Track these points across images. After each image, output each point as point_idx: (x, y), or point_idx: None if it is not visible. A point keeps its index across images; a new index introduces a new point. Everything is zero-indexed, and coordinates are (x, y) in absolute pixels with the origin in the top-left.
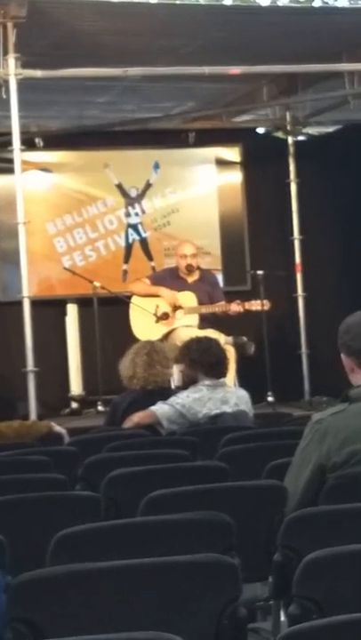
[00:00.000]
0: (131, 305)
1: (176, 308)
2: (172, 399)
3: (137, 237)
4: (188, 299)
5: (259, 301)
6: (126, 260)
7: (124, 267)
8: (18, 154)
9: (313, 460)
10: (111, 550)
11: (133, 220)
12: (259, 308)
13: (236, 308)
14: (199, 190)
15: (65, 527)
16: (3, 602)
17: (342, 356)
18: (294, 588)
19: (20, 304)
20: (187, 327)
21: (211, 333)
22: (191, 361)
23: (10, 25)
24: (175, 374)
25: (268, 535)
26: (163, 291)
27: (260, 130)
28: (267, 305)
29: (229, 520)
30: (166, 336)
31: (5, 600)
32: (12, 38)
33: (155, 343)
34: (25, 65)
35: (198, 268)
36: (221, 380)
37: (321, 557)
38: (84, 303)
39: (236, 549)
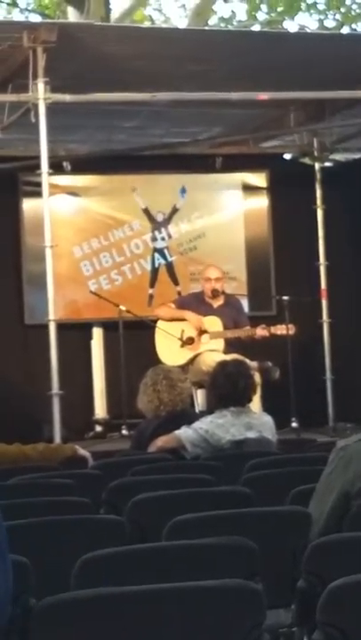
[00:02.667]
0: (156, 329)
1: (202, 332)
2: (196, 424)
3: (163, 262)
4: (213, 323)
5: (284, 326)
6: (152, 285)
7: (150, 291)
8: (46, 177)
9: (338, 487)
10: (135, 574)
11: (160, 244)
12: (284, 332)
13: (261, 332)
14: (226, 215)
15: (89, 551)
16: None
17: None
18: (318, 614)
19: (46, 327)
20: (212, 352)
21: (237, 357)
22: (216, 390)
23: (40, 50)
24: (200, 398)
25: (292, 561)
26: (189, 315)
27: (287, 156)
28: (292, 329)
29: (253, 545)
30: (192, 360)
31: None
32: (41, 63)
33: (162, 366)
34: (54, 89)
35: (223, 292)
36: (246, 405)
37: (346, 584)
38: (109, 327)
39: (260, 575)
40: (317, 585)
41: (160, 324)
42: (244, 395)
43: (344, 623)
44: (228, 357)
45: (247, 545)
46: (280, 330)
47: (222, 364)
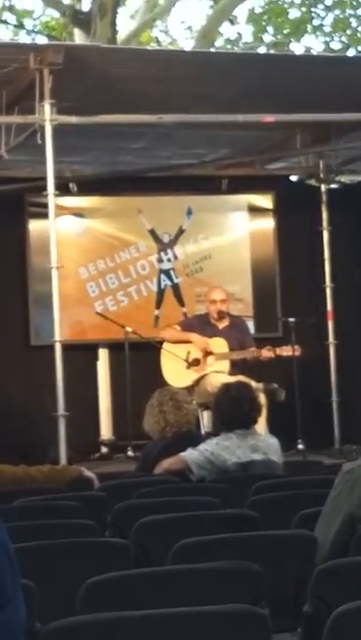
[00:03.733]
0: (162, 351)
1: (207, 353)
2: (202, 446)
3: (169, 283)
4: (219, 345)
5: (290, 347)
6: (158, 306)
7: (156, 312)
8: (52, 199)
9: (343, 510)
10: (141, 598)
11: (166, 265)
12: (290, 353)
13: (267, 353)
14: (232, 237)
15: (94, 574)
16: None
17: None
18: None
19: (51, 348)
20: (218, 373)
21: (242, 380)
22: (221, 413)
23: (46, 71)
24: (205, 420)
25: (297, 585)
26: (194, 337)
27: (293, 177)
28: (298, 350)
29: (259, 570)
30: (197, 382)
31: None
32: (47, 84)
33: (168, 388)
34: (60, 111)
35: (229, 314)
36: (252, 427)
37: (352, 610)
38: (115, 348)
39: (265, 599)
40: (323, 610)
41: (166, 345)
42: (249, 417)
43: None
44: (233, 379)
45: (253, 569)
46: (286, 351)
47: (226, 388)
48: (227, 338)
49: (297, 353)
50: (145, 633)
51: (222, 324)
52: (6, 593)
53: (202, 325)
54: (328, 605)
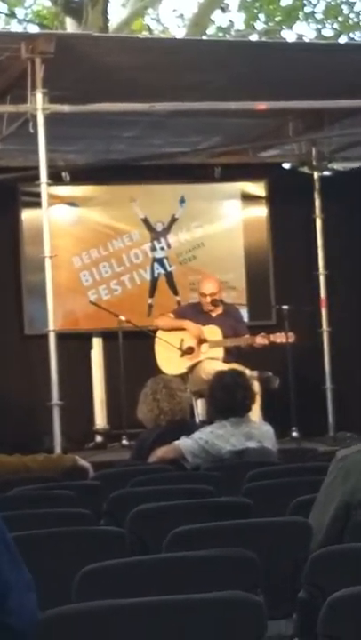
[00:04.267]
0: (156, 339)
1: (201, 341)
2: (196, 434)
3: (162, 271)
4: (213, 332)
5: (283, 334)
6: (152, 294)
7: (150, 301)
8: (45, 188)
9: (338, 498)
10: (136, 586)
11: (159, 254)
12: (283, 340)
13: (261, 340)
14: (225, 225)
15: (90, 562)
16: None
17: None
18: (319, 626)
19: (45, 337)
20: (212, 360)
21: (235, 367)
22: (215, 401)
23: (38, 60)
24: (200, 408)
25: (292, 572)
26: (188, 324)
27: (286, 165)
28: (292, 337)
29: (254, 557)
30: (191, 369)
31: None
32: (39, 73)
33: (162, 376)
34: (52, 100)
35: (222, 301)
36: (246, 415)
37: (347, 596)
38: (109, 337)
39: (260, 586)
40: (318, 596)
41: (160, 333)
42: (243, 405)
43: (345, 635)
44: (227, 367)
45: (248, 556)
46: (280, 338)
47: (219, 376)
48: (220, 325)
49: (291, 340)
50: (140, 621)
51: (216, 312)
52: (5, 581)
53: (195, 313)
54: (323, 592)
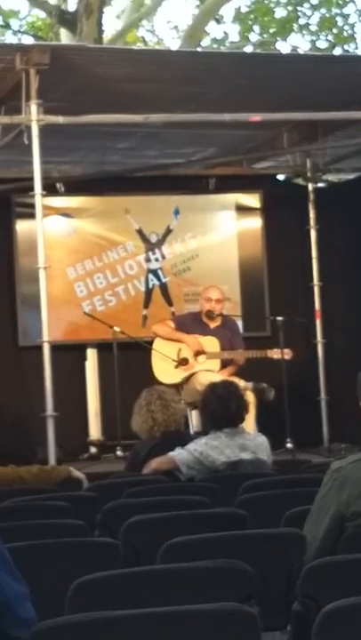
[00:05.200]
0: (152, 350)
1: (199, 353)
2: (191, 445)
3: (157, 283)
4: (210, 343)
5: (280, 350)
6: (146, 306)
7: (144, 312)
8: (39, 199)
9: (332, 509)
10: (130, 598)
11: (153, 265)
12: (280, 356)
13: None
14: (219, 236)
15: (83, 574)
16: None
17: None
18: (314, 637)
19: (40, 348)
20: (207, 371)
21: (230, 379)
22: (208, 412)
23: (32, 72)
24: (194, 419)
25: (287, 584)
26: (187, 338)
27: (281, 176)
28: (288, 354)
29: (248, 568)
30: (187, 379)
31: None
32: (34, 85)
33: (156, 387)
34: (47, 111)
35: (221, 314)
36: (240, 426)
37: (341, 607)
38: (103, 348)
39: (254, 598)
40: (312, 607)
41: (156, 345)
42: (237, 415)
43: None
44: (221, 378)
45: (242, 568)
46: (276, 354)
47: (212, 387)
48: (218, 337)
49: (287, 357)
50: (134, 632)
51: (214, 324)
52: (5, 593)
53: (194, 323)
54: (317, 603)
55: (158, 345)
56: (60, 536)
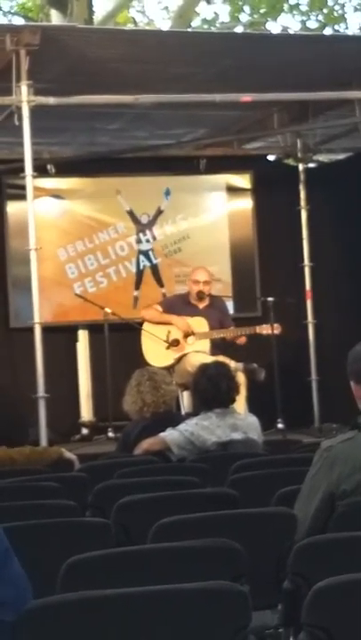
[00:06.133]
0: (142, 331)
1: (188, 335)
2: (182, 426)
3: (148, 264)
4: (199, 324)
5: (269, 325)
6: (137, 287)
7: (135, 293)
8: (30, 180)
9: (322, 488)
10: (121, 577)
11: (144, 246)
12: (269, 332)
13: (243, 339)
14: (210, 217)
15: (75, 554)
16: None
17: (351, 383)
18: (304, 615)
19: (31, 330)
20: (198, 352)
21: (221, 360)
22: (199, 393)
23: (23, 52)
24: (186, 400)
25: (277, 562)
26: (175, 319)
27: (271, 157)
28: (278, 329)
29: (239, 547)
30: (178, 361)
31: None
32: (24, 66)
33: (148, 368)
34: (37, 92)
35: (209, 294)
36: (231, 407)
37: (331, 585)
38: (94, 329)
39: (245, 577)
40: (303, 586)
41: (146, 326)
42: (228, 396)
43: (329, 624)
44: (213, 359)
45: (233, 547)
46: (265, 329)
47: (203, 367)
48: (207, 318)
49: (277, 331)
50: (124, 611)
51: (202, 304)
52: None
53: (182, 305)
54: (307, 581)
55: (148, 327)
56: (52, 516)
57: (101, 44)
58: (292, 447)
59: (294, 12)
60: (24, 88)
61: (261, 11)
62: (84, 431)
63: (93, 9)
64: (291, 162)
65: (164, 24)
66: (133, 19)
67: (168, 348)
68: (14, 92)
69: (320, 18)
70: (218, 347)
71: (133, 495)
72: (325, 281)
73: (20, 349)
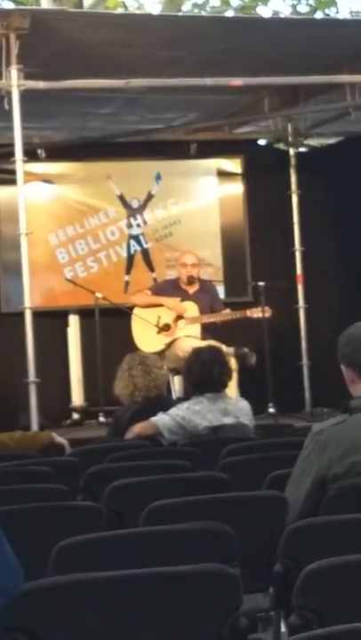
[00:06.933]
0: (132, 316)
1: (178, 318)
2: (173, 410)
3: (138, 248)
4: (190, 308)
5: (260, 309)
6: (128, 271)
7: (126, 278)
8: (20, 165)
9: (313, 471)
10: (112, 560)
11: (135, 230)
12: (260, 315)
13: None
14: (201, 201)
15: (66, 537)
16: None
17: (343, 367)
18: (295, 598)
19: (21, 315)
20: (188, 337)
21: (212, 344)
22: (191, 377)
23: (12, 36)
24: (177, 385)
25: (269, 546)
26: (165, 300)
27: (262, 141)
28: (268, 312)
29: (230, 530)
30: (169, 345)
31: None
32: (14, 50)
33: (139, 352)
34: (27, 76)
35: (199, 278)
36: (222, 391)
37: (321, 568)
38: (85, 314)
39: (236, 560)
40: (294, 569)
41: (136, 310)
42: (220, 381)
43: (320, 606)
44: (204, 344)
45: (224, 530)
46: (256, 313)
47: (196, 352)
48: (197, 302)
49: (267, 314)
50: (116, 594)
51: (193, 289)
52: None
53: (172, 290)
54: (298, 564)
55: (138, 312)
56: (43, 501)
57: (91, 28)
58: (283, 431)
59: None
60: (14, 72)
61: None
62: (75, 416)
63: None
64: (281, 146)
65: (154, 8)
66: (124, 2)
67: (159, 332)
68: (4, 77)
69: (311, 2)
70: (209, 331)
71: (125, 479)
72: (317, 265)
73: (11, 334)
